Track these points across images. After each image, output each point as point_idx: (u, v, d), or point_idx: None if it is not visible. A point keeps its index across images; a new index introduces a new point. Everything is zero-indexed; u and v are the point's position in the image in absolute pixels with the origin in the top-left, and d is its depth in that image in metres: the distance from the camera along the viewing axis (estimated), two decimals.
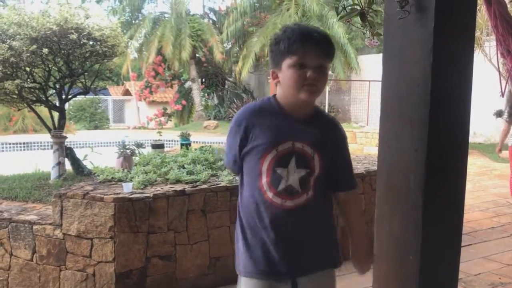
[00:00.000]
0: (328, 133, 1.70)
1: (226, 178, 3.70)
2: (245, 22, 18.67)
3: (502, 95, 3.00)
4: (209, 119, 19.17)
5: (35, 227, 3.40)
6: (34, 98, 4.91)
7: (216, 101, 21.61)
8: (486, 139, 14.05)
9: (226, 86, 21.49)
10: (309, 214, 1.67)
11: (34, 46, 4.36)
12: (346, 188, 1.79)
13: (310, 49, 1.57)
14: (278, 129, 1.63)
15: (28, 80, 4.66)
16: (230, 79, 21.26)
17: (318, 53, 1.59)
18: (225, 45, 19.67)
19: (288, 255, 1.65)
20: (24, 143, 12.45)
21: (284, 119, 1.64)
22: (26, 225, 3.43)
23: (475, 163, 10.38)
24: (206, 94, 20.93)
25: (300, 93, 1.58)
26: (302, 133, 1.64)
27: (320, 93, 1.63)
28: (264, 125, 1.63)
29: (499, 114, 13.71)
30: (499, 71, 3.13)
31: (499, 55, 2.89)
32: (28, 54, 4.38)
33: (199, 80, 20.36)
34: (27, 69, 4.65)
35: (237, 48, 19.90)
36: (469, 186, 7.21)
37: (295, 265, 1.66)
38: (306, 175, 1.64)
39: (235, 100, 19.64)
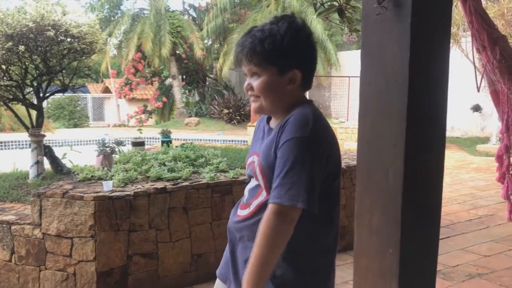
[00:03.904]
0: (275, 139, 1.42)
1: (207, 175, 3.69)
2: (225, 19, 18.65)
3: (478, 89, 3.05)
4: (190, 116, 19.12)
5: (13, 227, 3.35)
6: (11, 96, 4.82)
7: (197, 98, 21.55)
8: (463, 133, 14.31)
9: (207, 83, 21.43)
10: (250, 227, 1.50)
11: (10, 43, 4.28)
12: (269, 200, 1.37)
13: (239, 56, 1.48)
14: (255, 139, 1.63)
15: (4, 78, 4.57)
16: (211, 75, 21.21)
17: (243, 59, 1.46)
18: (205, 41, 19.63)
19: (227, 261, 1.65)
20: (1, 142, 12.22)
21: (263, 131, 1.59)
22: (4, 225, 3.37)
23: (452, 157, 10.56)
24: (187, 91, 20.84)
25: None
26: (262, 145, 1.52)
27: (266, 101, 1.47)
28: (255, 134, 1.65)
29: (476, 108, 13.97)
30: (475, 66, 3.18)
31: (475, 50, 2.94)
32: (4, 52, 4.30)
33: (180, 77, 20.27)
34: (3, 66, 4.56)
35: (218, 45, 19.87)
36: (446, 179, 7.34)
37: (231, 272, 1.62)
38: (254, 187, 1.53)
39: (216, 97, 19.61)
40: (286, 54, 1.44)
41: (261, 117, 1.66)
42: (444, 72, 1.96)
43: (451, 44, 2.05)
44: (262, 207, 1.46)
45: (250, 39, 1.44)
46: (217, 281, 1.72)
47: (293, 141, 1.35)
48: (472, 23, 2.62)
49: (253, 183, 1.54)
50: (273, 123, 1.55)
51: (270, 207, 1.34)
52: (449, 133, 12.72)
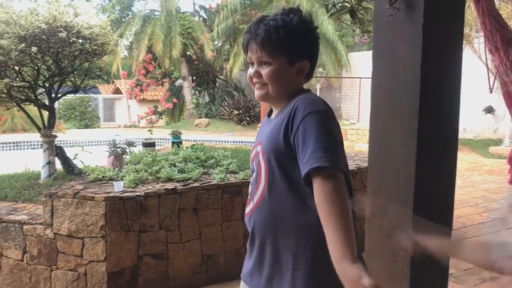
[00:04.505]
0: (284, 123, 1.39)
1: (217, 176, 3.70)
2: (235, 20, 18.65)
3: (491, 91, 3.03)
4: (200, 117, 19.15)
5: (25, 227, 3.38)
6: (23, 97, 4.87)
7: (207, 99, 21.58)
8: (476, 135, 14.17)
9: (217, 84, 21.46)
10: (258, 221, 1.49)
11: (23, 45, 4.32)
12: (305, 173, 1.27)
13: (248, 44, 1.49)
14: (258, 133, 1.62)
15: (17, 79, 4.61)
16: (221, 76, 21.24)
17: (255, 46, 1.46)
18: (216, 42, 19.65)
19: (246, 259, 1.61)
20: (13, 143, 12.34)
21: (266, 121, 1.58)
22: (16, 225, 3.41)
23: (464, 159, 10.46)
24: (197, 92, 20.87)
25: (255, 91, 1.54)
26: (264, 133, 1.52)
27: (273, 89, 1.47)
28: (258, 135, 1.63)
29: (488, 110, 13.83)
30: (487, 68, 3.15)
31: (487, 51, 2.91)
32: (17, 53, 4.34)
33: (190, 78, 20.31)
34: (16, 68, 4.60)
35: (228, 46, 19.88)
36: (459, 181, 7.27)
37: (245, 269, 1.60)
38: (254, 179, 1.52)
39: (226, 98, 19.62)
40: (298, 45, 1.47)
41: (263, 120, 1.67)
42: (457, 73, 1.94)
43: (463, 45, 2.03)
44: (263, 198, 1.46)
45: (265, 27, 1.44)
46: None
47: (311, 114, 1.33)
48: (485, 24, 2.59)
49: (253, 177, 1.53)
50: (274, 114, 1.55)
51: (316, 177, 1.25)
52: (461, 135, 12.59)
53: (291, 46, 1.45)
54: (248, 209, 1.55)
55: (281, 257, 1.43)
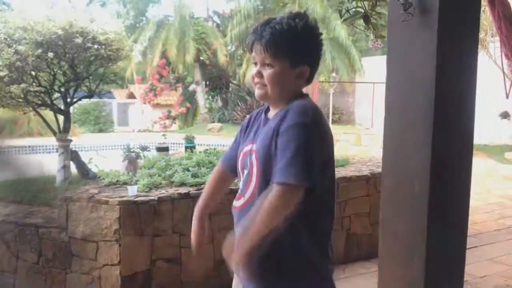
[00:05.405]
0: (275, 127, 1.46)
1: None
2: (249, 25, 18.68)
3: (507, 96, 2.99)
4: (213, 122, 19.20)
5: (41, 230, 3.41)
6: (40, 102, 4.93)
7: (220, 103, 21.64)
8: (491, 141, 13.99)
9: (230, 89, 21.51)
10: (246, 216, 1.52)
11: (40, 50, 4.38)
12: (275, 181, 1.38)
13: (253, 45, 1.53)
14: (248, 131, 1.66)
15: (34, 84, 4.68)
16: (234, 81, 21.29)
17: (259, 48, 1.50)
18: (229, 48, 19.73)
19: None
20: (29, 147, 12.48)
21: (262, 121, 1.62)
22: (32, 228, 3.45)
23: (480, 165, 10.33)
24: (210, 97, 20.97)
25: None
26: (259, 134, 1.57)
27: (272, 91, 1.51)
28: (248, 128, 1.68)
29: (504, 115, 13.65)
30: (503, 72, 3.12)
31: (503, 56, 2.88)
32: (34, 58, 4.40)
33: (203, 82, 20.40)
34: (33, 73, 4.67)
35: (241, 51, 19.94)
36: (473, 187, 7.16)
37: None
38: (246, 177, 1.59)
39: (239, 103, 19.64)
40: (301, 50, 1.51)
41: (255, 111, 1.71)
42: (472, 78, 1.93)
43: (478, 50, 2.02)
44: (255, 195, 1.52)
45: (270, 30, 1.48)
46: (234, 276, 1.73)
47: (296, 126, 1.41)
48: (500, 28, 2.57)
49: (245, 174, 1.59)
50: (271, 113, 1.60)
51: (275, 187, 1.35)
52: (476, 140, 12.44)
53: (294, 50, 1.50)
54: (238, 204, 1.63)
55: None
